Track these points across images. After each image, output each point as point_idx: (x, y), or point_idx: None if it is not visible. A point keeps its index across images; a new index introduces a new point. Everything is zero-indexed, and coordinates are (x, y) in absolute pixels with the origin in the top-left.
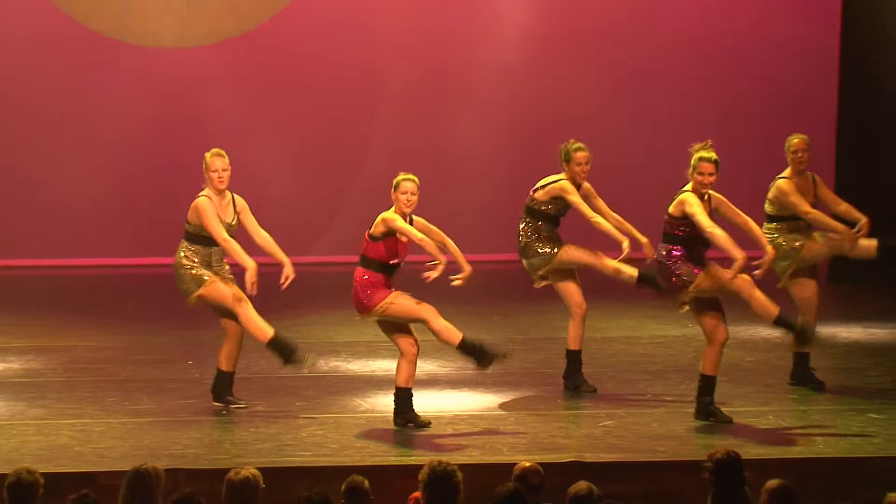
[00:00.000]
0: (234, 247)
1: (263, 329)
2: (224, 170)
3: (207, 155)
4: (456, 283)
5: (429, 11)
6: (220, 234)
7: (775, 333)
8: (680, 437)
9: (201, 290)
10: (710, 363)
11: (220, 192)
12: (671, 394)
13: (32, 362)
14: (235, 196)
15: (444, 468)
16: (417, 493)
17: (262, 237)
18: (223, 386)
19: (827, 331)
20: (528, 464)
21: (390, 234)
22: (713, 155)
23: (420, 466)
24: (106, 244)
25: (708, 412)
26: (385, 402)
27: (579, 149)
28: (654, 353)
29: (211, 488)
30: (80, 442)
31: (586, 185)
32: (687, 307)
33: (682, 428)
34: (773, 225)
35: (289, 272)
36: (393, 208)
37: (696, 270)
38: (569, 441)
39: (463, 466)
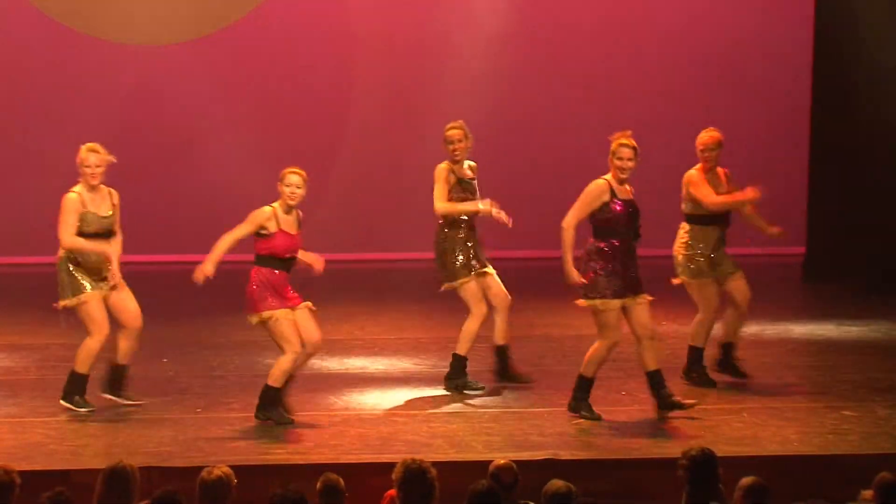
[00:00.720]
0: (82, 244)
1: None
2: (98, 165)
3: (83, 149)
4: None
5: (405, 11)
6: (68, 234)
7: (751, 331)
8: (654, 434)
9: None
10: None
11: (94, 188)
12: (645, 391)
13: (5, 360)
14: (112, 190)
15: (418, 466)
16: (393, 491)
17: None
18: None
19: (801, 329)
20: (502, 461)
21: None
22: (632, 142)
23: (394, 464)
24: None
25: (579, 407)
26: (360, 400)
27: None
28: (629, 350)
29: (185, 487)
30: (53, 440)
31: None
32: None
33: (656, 425)
34: (689, 226)
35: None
36: (278, 202)
37: (608, 292)
38: (543, 439)
39: (438, 464)
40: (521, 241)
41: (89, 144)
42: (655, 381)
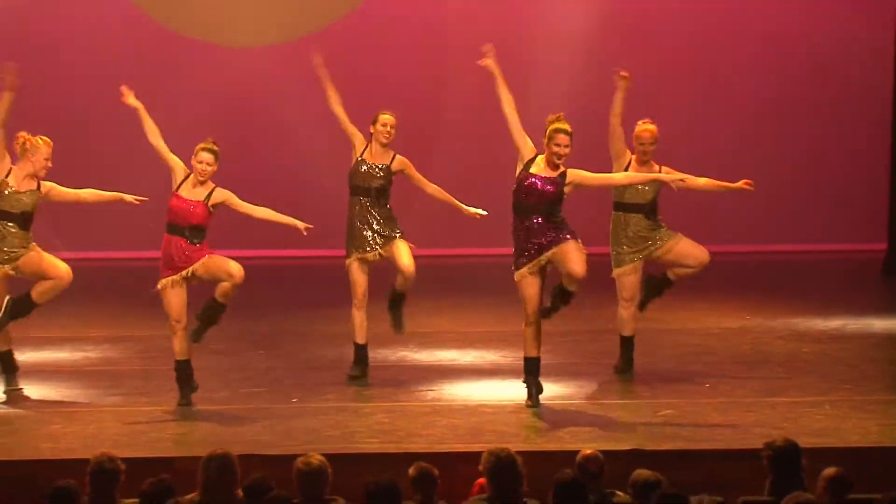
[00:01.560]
0: None
1: None
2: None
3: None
4: None
5: (498, 10)
6: None
7: (833, 325)
8: (738, 425)
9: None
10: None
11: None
12: (728, 383)
13: (108, 352)
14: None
15: (507, 455)
16: (483, 480)
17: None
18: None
19: (882, 324)
20: (589, 451)
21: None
22: (567, 127)
23: (484, 453)
24: None
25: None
26: (450, 391)
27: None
28: (712, 344)
29: (282, 474)
30: (156, 428)
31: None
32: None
33: (739, 417)
34: (619, 213)
35: None
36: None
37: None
38: (629, 430)
39: (525, 454)
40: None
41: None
42: None
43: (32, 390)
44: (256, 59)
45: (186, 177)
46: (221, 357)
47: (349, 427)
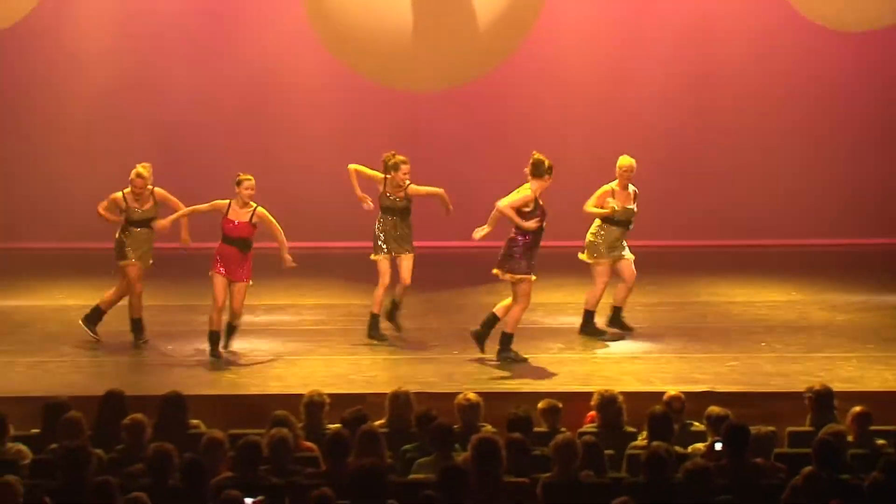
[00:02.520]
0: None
1: None
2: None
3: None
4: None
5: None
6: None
7: (859, 300)
8: (787, 374)
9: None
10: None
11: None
12: (779, 342)
13: (319, 314)
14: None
15: (611, 394)
16: (593, 413)
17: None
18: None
19: None
20: (673, 392)
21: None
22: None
23: (594, 394)
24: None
25: (509, 359)
26: (570, 346)
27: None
28: (768, 313)
29: (446, 407)
30: (353, 371)
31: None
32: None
33: (787, 367)
34: (597, 224)
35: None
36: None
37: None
38: (704, 376)
39: (626, 394)
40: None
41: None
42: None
43: (265, 343)
44: (432, 102)
45: (229, 205)
46: (405, 319)
47: (495, 372)
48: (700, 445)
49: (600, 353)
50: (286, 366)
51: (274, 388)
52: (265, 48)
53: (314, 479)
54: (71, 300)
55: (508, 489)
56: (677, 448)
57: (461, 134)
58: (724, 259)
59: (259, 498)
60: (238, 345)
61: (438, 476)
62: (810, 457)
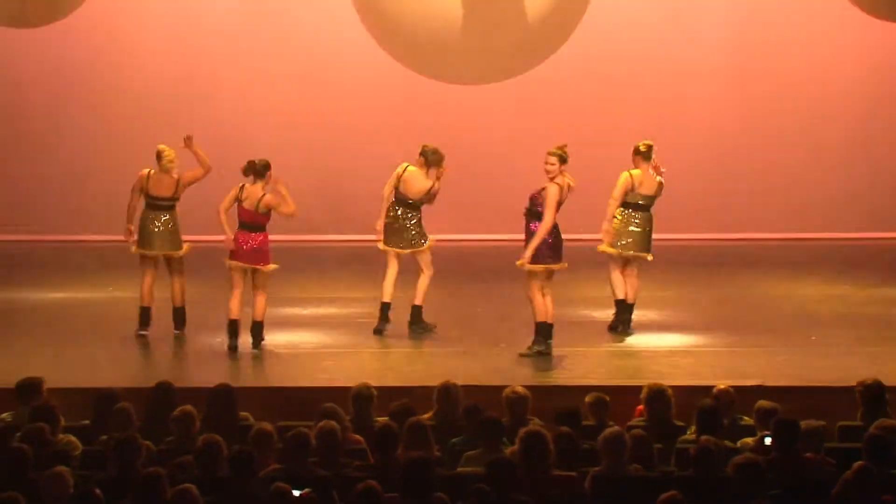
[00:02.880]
0: None
1: None
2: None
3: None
4: None
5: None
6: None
7: None
8: (837, 367)
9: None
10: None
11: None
12: (830, 336)
13: (368, 307)
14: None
15: (659, 388)
16: (641, 407)
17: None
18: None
19: None
20: (723, 386)
21: None
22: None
23: (643, 387)
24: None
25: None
26: (618, 340)
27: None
28: (819, 306)
29: (493, 400)
30: (402, 365)
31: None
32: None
33: (838, 361)
34: (620, 209)
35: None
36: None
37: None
38: (754, 370)
39: (674, 388)
40: None
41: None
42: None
43: (312, 336)
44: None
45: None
46: (443, 314)
47: (541, 365)
48: (749, 440)
49: (649, 346)
50: (334, 358)
51: (322, 380)
52: (314, 43)
53: (362, 472)
54: (121, 292)
55: (557, 482)
56: (726, 442)
57: (508, 127)
58: (774, 253)
59: (306, 490)
60: (286, 337)
61: (486, 469)
62: (861, 451)
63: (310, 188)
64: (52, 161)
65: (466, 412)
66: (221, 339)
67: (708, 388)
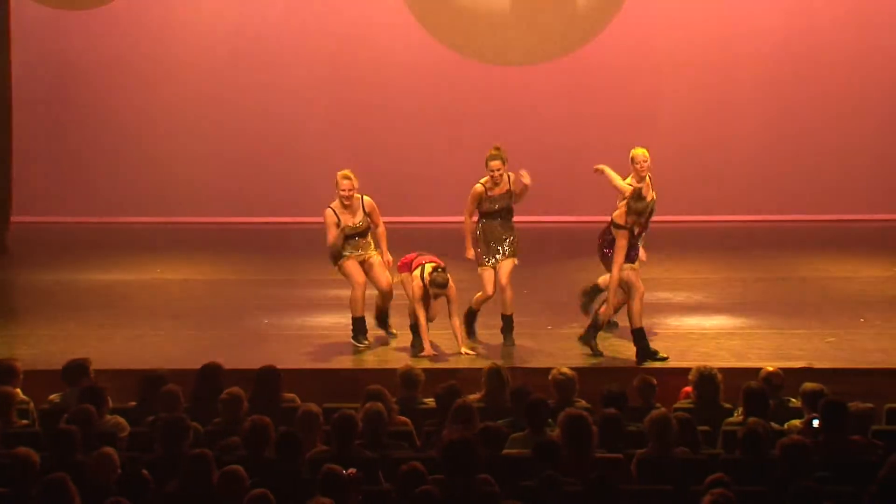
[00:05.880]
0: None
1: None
2: (350, 189)
3: (339, 175)
4: None
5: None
6: (330, 238)
7: None
8: (887, 350)
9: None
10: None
11: (348, 203)
12: (878, 318)
13: None
14: (364, 198)
15: (708, 370)
16: (689, 388)
17: (380, 230)
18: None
19: None
20: (771, 368)
21: None
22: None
23: (691, 369)
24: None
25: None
26: (664, 321)
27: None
28: (868, 289)
29: (541, 381)
30: (446, 346)
31: None
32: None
33: (887, 343)
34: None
35: (388, 258)
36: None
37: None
38: (802, 352)
39: (722, 370)
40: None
41: (342, 172)
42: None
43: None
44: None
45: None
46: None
47: (588, 349)
48: (797, 422)
49: (696, 328)
50: (381, 342)
51: (369, 362)
52: (362, 30)
53: (408, 453)
54: (169, 274)
55: (602, 465)
56: (773, 424)
57: (557, 108)
58: (821, 234)
59: (352, 470)
60: (334, 319)
61: (532, 451)
62: None
63: (364, 175)
64: (102, 143)
65: (513, 394)
66: (269, 321)
67: (755, 371)
